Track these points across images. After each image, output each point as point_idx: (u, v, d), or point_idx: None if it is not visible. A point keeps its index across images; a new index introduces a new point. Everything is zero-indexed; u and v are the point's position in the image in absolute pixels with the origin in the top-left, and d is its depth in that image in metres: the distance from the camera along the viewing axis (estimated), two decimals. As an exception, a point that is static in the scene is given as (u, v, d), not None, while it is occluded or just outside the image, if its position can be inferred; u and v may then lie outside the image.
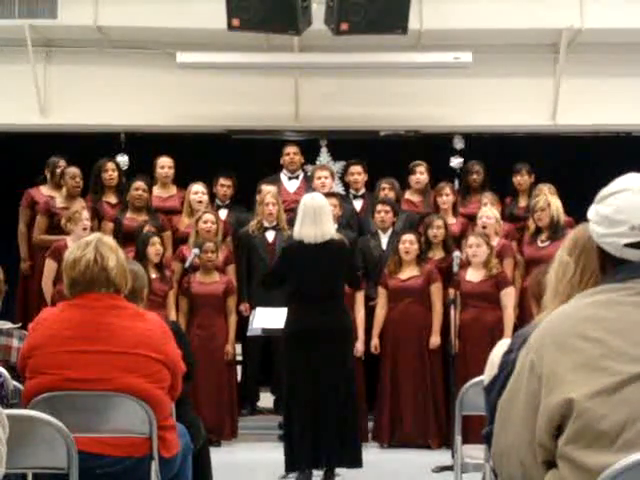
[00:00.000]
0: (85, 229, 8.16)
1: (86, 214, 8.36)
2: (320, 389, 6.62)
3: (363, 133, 10.65)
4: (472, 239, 8.21)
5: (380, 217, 8.75)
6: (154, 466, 3.80)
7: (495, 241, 8.45)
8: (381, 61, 10.01)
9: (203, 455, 5.16)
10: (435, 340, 8.23)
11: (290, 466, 6.69)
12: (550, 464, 2.19)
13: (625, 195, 2.29)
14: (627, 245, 2.26)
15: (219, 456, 6.27)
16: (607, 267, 2.32)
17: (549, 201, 8.43)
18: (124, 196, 9.07)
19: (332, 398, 6.63)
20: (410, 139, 10.67)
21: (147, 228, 8.41)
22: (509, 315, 8.06)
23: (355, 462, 6.71)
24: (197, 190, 9.03)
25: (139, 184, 8.96)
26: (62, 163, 9.19)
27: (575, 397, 2.12)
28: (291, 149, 9.60)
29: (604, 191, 2.35)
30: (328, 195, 8.60)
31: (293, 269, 6.70)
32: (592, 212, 2.36)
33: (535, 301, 3.64)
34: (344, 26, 9.09)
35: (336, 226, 7.10)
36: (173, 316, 8.08)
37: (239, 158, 10.30)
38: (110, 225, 8.82)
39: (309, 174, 9.67)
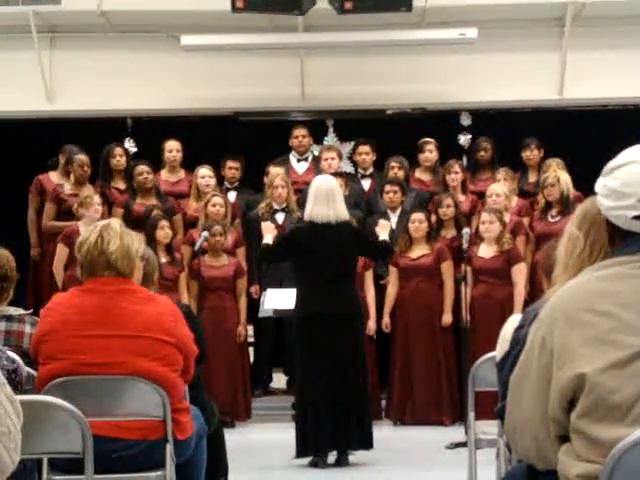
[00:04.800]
0: (97, 212, 8.21)
1: (97, 198, 8.41)
2: (332, 373, 6.62)
3: (370, 112, 10.63)
4: (485, 216, 8.20)
5: (389, 197, 8.75)
6: (169, 449, 3.82)
7: (506, 217, 8.44)
8: (386, 39, 9.97)
9: (217, 437, 5.18)
10: (447, 318, 8.24)
11: (302, 451, 6.71)
12: (563, 438, 2.19)
13: (632, 167, 2.28)
14: (635, 217, 2.25)
15: (233, 437, 6.30)
16: (616, 240, 2.32)
17: (558, 176, 8.43)
18: (131, 182, 9.07)
19: (344, 382, 6.64)
20: (417, 117, 10.65)
21: (155, 212, 8.42)
22: (519, 291, 8.06)
23: (366, 444, 6.76)
24: (204, 174, 9.02)
25: (141, 168, 8.96)
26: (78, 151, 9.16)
27: (587, 371, 2.12)
28: (300, 132, 9.57)
29: (611, 164, 2.34)
30: (334, 175, 8.61)
31: (302, 251, 6.68)
32: (599, 185, 2.35)
33: (546, 276, 3.64)
34: (348, 5, 9.06)
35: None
36: (185, 299, 8.09)
37: (246, 140, 10.29)
38: (120, 211, 8.83)
39: (317, 154, 9.66)
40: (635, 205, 2.25)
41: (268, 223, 7.28)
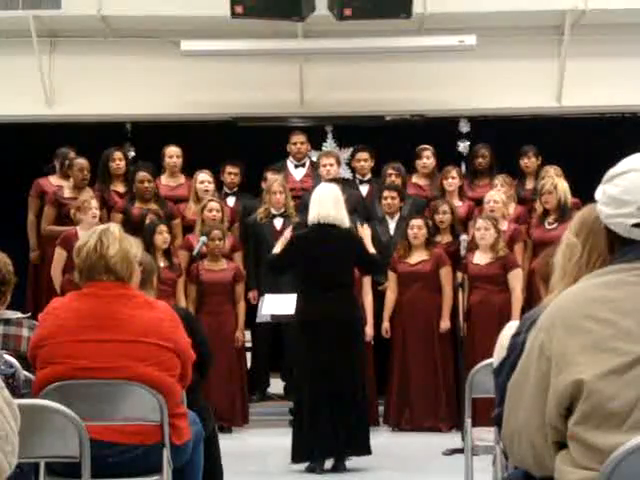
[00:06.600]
0: (95, 217, 8.20)
1: (95, 203, 8.40)
2: (331, 379, 6.63)
3: (368, 118, 10.64)
4: (480, 222, 8.22)
5: (387, 203, 8.78)
6: (166, 453, 3.82)
7: (504, 225, 8.46)
8: (385, 46, 9.98)
9: (212, 442, 5.17)
10: (445, 324, 8.24)
11: (298, 456, 6.72)
12: (561, 445, 2.19)
13: (632, 175, 2.28)
14: (635, 225, 2.26)
15: (230, 442, 6.31)
16: (615, 248, 2.32)
17: (556, 183, 8.44)
18: (130, 186, 9.07)
19: (342, 388, 6.65)
20: (415, 123, 10.66)
21: (150, 216, 8.41)
22: (517, 297, 8.08)
23: (364, 450, 6.76)
24: (203, 179, 9.03)
25: (143, 175, 8.94)
26: (72, 155, 9.18)
27: (585, 378, 2.12)
28: (298, 138, 9.58)
29: (611, 172, 2.34)
30: (332, 181, 8.62)
31: (304, 256, 6.71)
32: (599, 193, 2.36)
33: (543, 283, 3.64)
34: (348, 11, 9.08)
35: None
36: (183, 303, 8.09)
37: (245, 145, 10.30)
38: (119, 216, 8.83)
39: (314, 160, 9.67)
40: (635, 213, 2.25)
41: (285, 234, 7.09)
